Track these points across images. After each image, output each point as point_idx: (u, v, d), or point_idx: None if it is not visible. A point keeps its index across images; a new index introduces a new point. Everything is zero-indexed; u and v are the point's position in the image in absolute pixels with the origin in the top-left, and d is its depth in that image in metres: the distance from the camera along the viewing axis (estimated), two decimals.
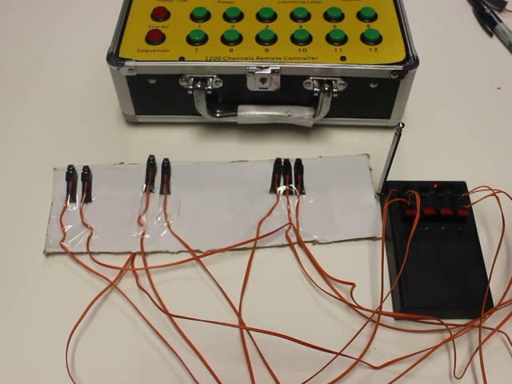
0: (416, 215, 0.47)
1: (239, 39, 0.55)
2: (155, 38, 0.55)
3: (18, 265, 0.50)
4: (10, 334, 0.47)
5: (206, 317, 0.45)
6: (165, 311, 0.47)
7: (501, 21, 0.71)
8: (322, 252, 0.51)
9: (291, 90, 0.55)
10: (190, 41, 0.55)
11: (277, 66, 0.53)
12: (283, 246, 0.52)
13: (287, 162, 0.56)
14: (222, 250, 0.51)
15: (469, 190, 0.51)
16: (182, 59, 0.53)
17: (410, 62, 0.53)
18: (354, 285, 0.48)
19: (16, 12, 0.74)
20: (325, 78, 0.53)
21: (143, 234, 0.51)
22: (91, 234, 0.51)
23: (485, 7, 0.73)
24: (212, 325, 0.44)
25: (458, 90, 0.64)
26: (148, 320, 0.47)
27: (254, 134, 0.60)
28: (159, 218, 0.53)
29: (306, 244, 0.51)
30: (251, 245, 0.51)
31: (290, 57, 0.54)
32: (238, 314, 0.47)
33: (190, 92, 0.54)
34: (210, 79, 0.54)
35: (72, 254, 0.50)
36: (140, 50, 0.54)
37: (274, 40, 0.55)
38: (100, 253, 0.51)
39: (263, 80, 0.54)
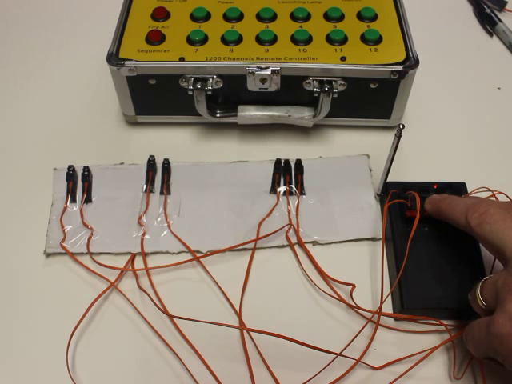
0: (416, 216, 0.47)
1: (239, 39, 0.55)
2: (155, 38, 0.55)
3: (18, 265, 0.50)
4: (11, 334, 0.47)
5: (206, 317, 0.45)
6: (165, 312, 0.47)
7: (501, 21, 0.71)
8: (322, 253, 0.51)
9: (291, 90, 0.55)
10: (190, 41, 0.55)
11: (277, 67, 0.53)
12: (283, 246, 0.52)
13: (287, 162, 0.56)
14: (223, 251, 0.51)
15: (469, 191, 0.51)
16: (182, 59, 0.53)
17: (410, 62, 0.53)
18: (353, 285, 0.48)
19: (15, 12, 0.73)
20: (325, 79, 0.53)
21: (143, 234, 0.51)
22: (91, 234, 0.51)
23: (485, 7, 0.73)
24: (212, 325, 0.44)
25: (458, 90, 0.64)
26: (148, 321, 0.47)
27: (254, 134, 0.60)
28: (159, 219, 0.53)
29: (306, 244, 0.51)
30: (251, 245, 0.51)
31: (290, 57, 0.54)
32: (238, 315, 0.47)
33: (190, 92, 0.54)
34: (210, 79, 0.54)
35: (72, 255, 0.50)
36: (140, 51, 0.54)
37: (274, 40, 0.55)
38: (100, 253, 0.51)
39: (263, 80, 0.54)
